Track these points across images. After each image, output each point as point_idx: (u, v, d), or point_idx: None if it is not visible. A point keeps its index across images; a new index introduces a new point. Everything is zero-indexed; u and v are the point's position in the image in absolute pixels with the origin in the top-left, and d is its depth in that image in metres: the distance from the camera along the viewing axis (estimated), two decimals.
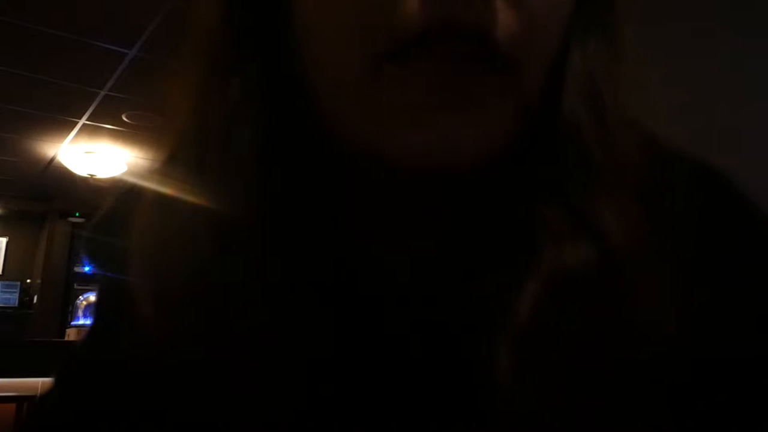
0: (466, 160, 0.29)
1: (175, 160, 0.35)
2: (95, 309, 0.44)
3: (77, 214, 6.73)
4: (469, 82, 0.28)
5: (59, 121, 4.50)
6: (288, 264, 0.33)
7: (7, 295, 6.81)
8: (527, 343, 0.29)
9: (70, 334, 6.16)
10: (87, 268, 6.72)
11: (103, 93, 4.01)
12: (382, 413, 0.35)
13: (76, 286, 6.78)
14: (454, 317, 0.33)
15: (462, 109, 0.28)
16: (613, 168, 0.31)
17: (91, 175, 5.22)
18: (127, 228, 0.35)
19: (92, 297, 6.71)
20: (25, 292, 6.89)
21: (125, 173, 5.21)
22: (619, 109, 0.32)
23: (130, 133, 4.67)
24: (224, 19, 0.33)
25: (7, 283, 6.88)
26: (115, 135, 4.74)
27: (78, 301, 6.76)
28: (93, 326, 0.43)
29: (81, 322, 6.60)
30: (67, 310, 6.70)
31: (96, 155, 5.08)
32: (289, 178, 0.34)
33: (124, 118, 4.40)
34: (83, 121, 4.48)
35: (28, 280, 6.97)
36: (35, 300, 6.73)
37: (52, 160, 5.35)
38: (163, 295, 0.33)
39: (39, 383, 3.65)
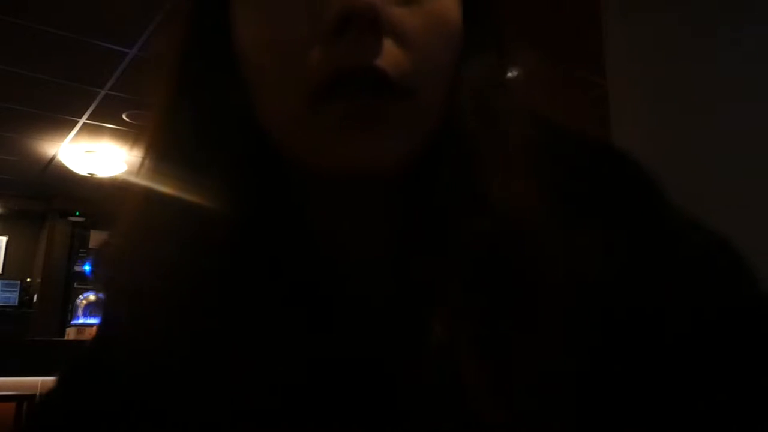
0: (381, 165, 0.37)
1: (154, 164, 0.41)
2: (101, 311, 0.46)
3: (77, 214, 6.73)
4: (373, 109, 0.35)
5: (59, 121, 4.50)
6: (260, 265, 0.37)
7: (7, 294, 6.80)
8: (467, 305, 0.35)
9: (70, 333, 6.16)
10: (87, 267, 6.73)
11: (103, 92, 4.01)
12: (358, 409, 0.36)
13: (76, 285, 6.77)
14: (407, 303, 0.37)
15: (370, 128, 0.35)
16: (505, 155, 0.38)
17: (92, 174, 5.22)
18: (115, 227, 0.40)
19: (92, 296, 6.71)
20: (25, 291, 6.88)
21: (125, 172, 5.22)
22: (510, 111, 0.39)
23: (130, 133, 4.67)
24: (186, 60, 0.42)
25: (7, 282, 6.87)
26: (115, 134, 4.74)
27: (78, 300, 6.74)
28: (98, 327, 0.44)
29: (81, 321, 6.58)
30: (67, 309, 6.68)
31: (96, 154, 5.08)
32: (255, 185, 0.39)
33: (125, 118, 4.40)
34: (83, 120, 4.49)
35: (28, 279, 6.97)
36: (35, 299, 6.72)
37: (53, 159, 5.35)
38: (135, 293, 0.35)
39: (39, 382, 3.65)
